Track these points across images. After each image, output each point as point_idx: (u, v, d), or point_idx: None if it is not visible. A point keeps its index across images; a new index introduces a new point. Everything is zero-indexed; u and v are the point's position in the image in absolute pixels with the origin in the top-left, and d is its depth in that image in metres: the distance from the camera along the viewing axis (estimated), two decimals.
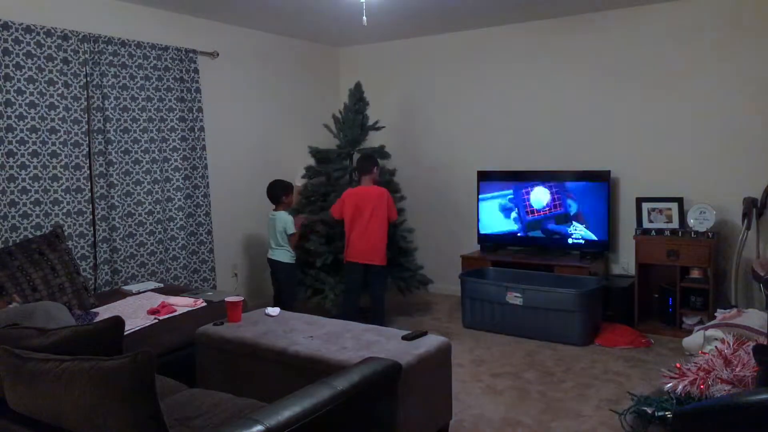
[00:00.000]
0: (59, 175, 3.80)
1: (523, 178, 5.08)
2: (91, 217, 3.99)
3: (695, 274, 4.40)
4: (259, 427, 1.63)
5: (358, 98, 4.89)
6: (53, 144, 3.76)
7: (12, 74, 3.56)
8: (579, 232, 4.85)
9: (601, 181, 4.74)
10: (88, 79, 3.93)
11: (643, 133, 4.75)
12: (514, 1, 4.47)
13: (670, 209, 4.53)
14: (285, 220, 4.48)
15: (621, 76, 4.80)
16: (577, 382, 3.60)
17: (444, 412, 2.86)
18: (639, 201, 4.63)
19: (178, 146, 4.51)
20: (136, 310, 3.43)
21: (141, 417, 1.56)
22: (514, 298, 4.41)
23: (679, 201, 4.50)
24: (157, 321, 3.27)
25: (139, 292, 3.83)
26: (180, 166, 4.53)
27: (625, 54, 4.77)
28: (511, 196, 5.12)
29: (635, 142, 4.78)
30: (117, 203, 4.11)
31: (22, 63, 3.60)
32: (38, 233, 3.66)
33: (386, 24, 5.08)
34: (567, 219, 4.90)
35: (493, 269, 4.93)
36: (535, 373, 3.74)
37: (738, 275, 4.27)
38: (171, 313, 3.40)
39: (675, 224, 4.48)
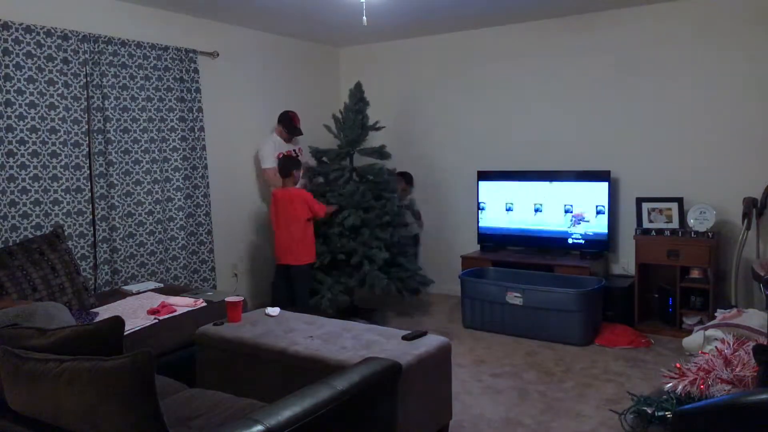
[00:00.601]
0: (59, 175, 3.80)
1: (523, 178, 5.08)
2: (91, 217, 3.98)
3: (695, 274, 4.40)
4: (259, 427, 1.63)
5: (358, 98, 4.89)
6: (53, 144, 3.76)
7: (12, 74, 3.56)
8: (579, 232, 4.86)
9: (601, 181, 4.74)
10: (88, 79, 3.93)
11: (643, 133, 4.75)
12: (514, 1, 4.48)
13: (670, 209, 4.53)
14: None
15: (621, 76, 4.79)
16: (577, 382, 3.60)
17: (444, 412, 2.86)
18: (639, 201, 4.63)
19: (178, 146, 4.51)
20: (136, 310, 3.43)
21: (141, 417, 1.57)
22: (514, 298, 4.41)
23: (679, 201, 4.50)
24: (157, 321, 3.27)
25: (139, 292, 3.82)
26: (180, 166, 4.53)
27: (625, 54, 4.77)
28: (511, 196, 5.12)
29: (635, 142, 4.78)
30: (117, 203, 4.11)
31: (22, 63, 3.60)
32: (38, 233, 3.66)
33: (386, 24, 5.08)
34: (567, 219, 4.90)
35: (493, 269, 4.93)
36: (535, 373, 3.74)
37: (738, 275, 4.27)
38: (171, 313, 3.40)
39: (675, 224, 4.48)
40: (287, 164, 4.60)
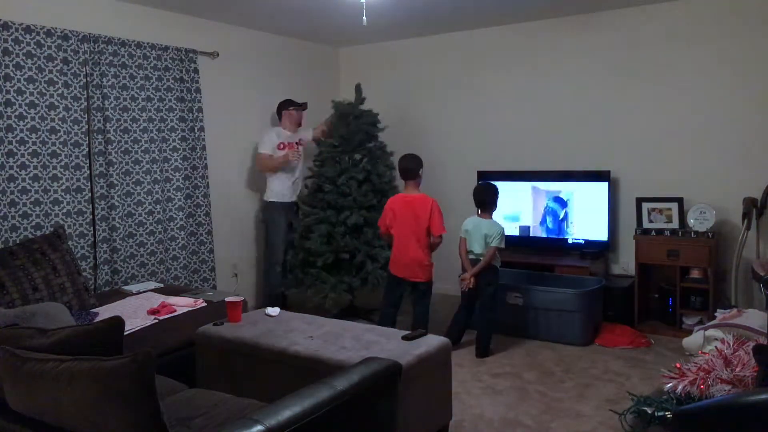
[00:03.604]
0: (59, 175, 3.80)
1: (523, 178, 5.08)
2: (91, 217, 3.98)
3: (695, 274, 4.40)
4: (259, 427, 1.63)
5: (359, 100, 4.91)
6: (53, 144, 3.76)
7: (12, 74, 3.56)
8: (579, 232, 4.85)
9: (601, 181, 4.74)
10: (88, 79, 3.93)
11: (643, 133, 4.75)
12: (514, 1, 4.47)
13: (670, 209, 4.53)
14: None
15: (621, 75, 4.79)
16: (577, 382, 3.60)
17: (444, 412, 2.86)
18: (639, 201, 4.63)
19: (178, 146, 4.51)
20: (136, 310, 3.43)
21: (141, 417, 1.56)
22: (514, 298, 4.41)
23: (679, 201, 4.50)
24: (157, 321, 3.27)
25: (139, 292, 3.82)
26: (180, 166, 4.53)
27: (625, 54, 4.77)
28: (511, 196, 5.12)
29: (635, 142, 4.78)
30: (117, 203, 4.11)
31: (22, 63, 3.60)
32: (38, 233, 3.66)
33: (386, 24, 5.08)
34: (567, 219, 4.90)
35: None
36: (535, 373, 3.74)
37: (738, 275, 4.27)
38: (171, 313, 3.40)
39: (675, 224, 4.48)
40: (412, 164, 4.04)
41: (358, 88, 4.94)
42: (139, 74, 4.23)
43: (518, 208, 5.10)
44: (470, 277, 4.03)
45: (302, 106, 5.10)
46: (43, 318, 2.72)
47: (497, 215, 4.24)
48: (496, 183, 5.11)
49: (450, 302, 5.36)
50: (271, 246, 5.00)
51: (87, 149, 3.95)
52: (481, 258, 4.05)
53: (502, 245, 4.04)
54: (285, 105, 5.05)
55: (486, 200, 4.13)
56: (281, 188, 4.95)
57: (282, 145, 4.91)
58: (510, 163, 5.30)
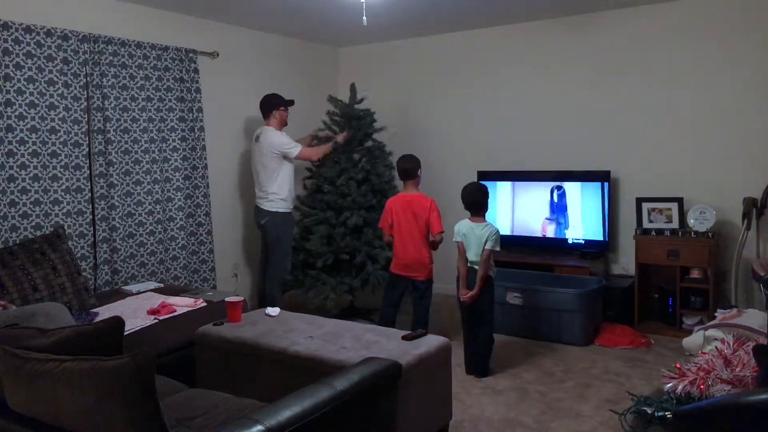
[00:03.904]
0: (59, 175, 3.80)
1: (522, 178, 5.08)
2: (91, 217, 3.99)
3: (695, 274, 4.40)
4: (259, 427, 1.63)
5: (355, 99, 4.92)
6: (53, 144, 3.76)
7: (12, 74, 3.56)
8: (579, 232, 4.85)
9: (601, 181, 4.74)
10: (88, 79, 3.93)
11: (643, 133, 4.75)
12: (514, 1, 4.48)
13: (670, 209, 4.53)
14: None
15: (621, 75, 4.80)
16: (577, 382, 3.60)
17: (444, 412, 2.86)
18: (639, 201, 4.63)
19: (178, 146, 4.51)
20: (136, 310, 3.43)
21: (141, 417, 1.57)
22: (514, 298, 4.41)
23: (679, 201, 4.50)
24: (157, 321, 3.27)
25: (139, 292, 3.83)
26: (180, 166, 4.53)
27: (625, 54, 4.77)
28: (511, 196, 5.12)
29: (635, 142, 4.78)
30: (117, 203, 4.11)
31: (22, 63, 3.60)
32: (38, 233, 3.66)
33: (386, 24, 5.08)
34: (567, 219, 4.90)
35: None
36: (535, 373, 3.74)
37: (738, 275, 4.27)
38: (171, 313, 3.40)
39: (675, 224, 4.48)
40: (410, 164, 4.03)
41: (352, 88, 4.95)
42: (139, 74, 4.23)
43: (518, 207, 5.10)
44: (477, 293, 3.69)
45: (291, 103, 4.77)
46: (43, 318, 2.72)
47: (490, 216, 4.10)
48: (497, 183, 5.15)
49: (450, 302, 5.36)
50: (284, 257, 4.66)
51: (87, 149, 3.95)
52: (476, 266, 3.72)
53: (497, 248, 3.70)
54: (275, 104, 4.65)
55: (481, 201, 3.82)
56: (292, 194, 4.70)
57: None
58: (510, 163, 5.31)
